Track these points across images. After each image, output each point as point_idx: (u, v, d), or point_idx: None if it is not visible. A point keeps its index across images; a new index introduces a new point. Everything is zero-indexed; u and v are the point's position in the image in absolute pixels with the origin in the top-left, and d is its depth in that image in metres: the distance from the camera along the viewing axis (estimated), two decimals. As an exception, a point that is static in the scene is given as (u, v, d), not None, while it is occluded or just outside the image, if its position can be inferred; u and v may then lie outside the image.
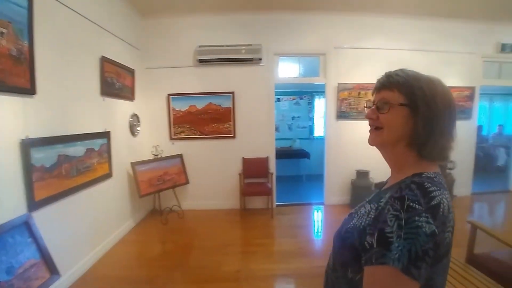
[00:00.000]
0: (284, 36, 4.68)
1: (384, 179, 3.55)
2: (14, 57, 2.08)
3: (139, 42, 4.46)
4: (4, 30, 1.98)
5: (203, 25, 4.62)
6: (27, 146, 2.22)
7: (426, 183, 0.70)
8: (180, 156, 4.70)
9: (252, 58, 4.57)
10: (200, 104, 4.77)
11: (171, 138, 4.80)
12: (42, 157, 2.39)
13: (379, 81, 0.82)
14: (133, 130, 4.27)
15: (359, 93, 4.83)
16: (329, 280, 0.86)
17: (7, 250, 1.68)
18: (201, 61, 4.59)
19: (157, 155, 4.57)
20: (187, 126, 4.80)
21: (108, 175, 3.52)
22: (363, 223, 0.74)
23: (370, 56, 4.78)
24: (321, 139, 7.19)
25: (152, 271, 3.00)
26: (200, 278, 2.85)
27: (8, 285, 1.61)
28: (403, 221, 0.63)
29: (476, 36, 5.01)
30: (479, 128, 6.76)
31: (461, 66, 5.02)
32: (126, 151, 4.04)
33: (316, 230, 4.18)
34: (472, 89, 5.12)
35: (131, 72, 4.15)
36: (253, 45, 4.56)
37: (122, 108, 3.95)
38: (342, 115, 4.87)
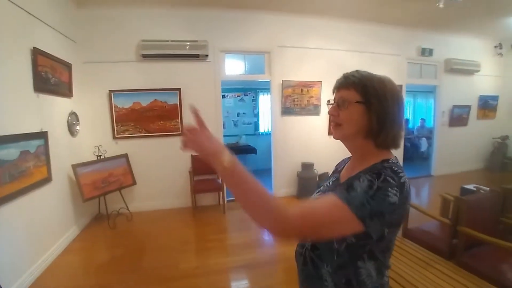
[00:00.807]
0: (231, 34, 4.71)
1: (327, 170, 3.90)
2: None
3: (75, 34, 4.10)
4: None
5: (146, 18, 4.41)
6: (-52, 149, 1.92)
7: (393, 167, 0.84)
8: (125, 156, 4.45)
9: (198, 54, 4.50)
10: (145, 101, 4.55)
11: (115, 137, 4.52)
12: (-33, 162, 2.09)
13: (338, 81, 0.93)
14: (72, 130, 3.92)
15: (302, 90, 5.09)
16: (308, 260, 0.91)
17: None
18: (145, 56, 4.38)
19: (100, 155, 4.26)
20: (132, 124, 4.56)
21: (47, 180, 3.20)
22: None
23: (311, 55, 5.08)
24: (266, 134, 7.39)
25: (103, 278, 2.82)
26: (158, 278, 2.78)
27: None
28: (375, 186, 0.76)
29: (401, 40, 5.74)
30: (406, 121, 7.60)
31: (390, 66, 5.61)
32: (66, 153, 3.70)
33: None
34: (399, 87, 5.72)
35: (67, 66, 3.79)
36: (199, 41, 4.49)
37: (59, 106, 3.60)
38: (286, 111, 5.09)
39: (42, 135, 3.10)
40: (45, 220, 3.11)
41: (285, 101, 5.03)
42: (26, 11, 2.92)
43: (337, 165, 1.14)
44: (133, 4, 4.28)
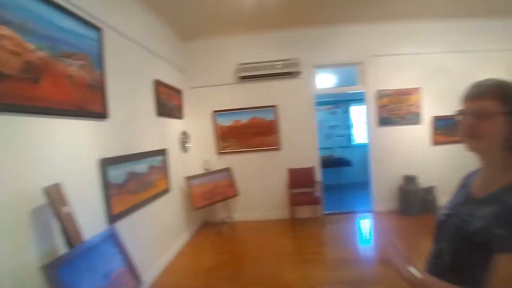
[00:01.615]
0: (321, 49, 4.75)
1: (433, 183, 3.50)
2: (90, 86, 2.31)
3: (183, 64, 4.74)
4: (83, 63, 2.22)
5: (242, 44, 4.82)
6: (105, 164, 2.43)
7: None
8: (228, 169, 4.83)
9: (291, 72, 4.68)
10: (244, 119, 4.91)
11: (218, 153, 4.96)
12: (116, 174, 2.60)
13: (470, 90, 0.88)
14: (184, 147, 4.49)
15: (399, 99, 4.74)
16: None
17: (102, 259, 1.84)
18: (242, 78, 4.76)
19: (207, 169, 4.73)
20: (233, 140, 4.95)
21: (167, 190, 3.71)
22: (490, 223, 0.79)
23: (407, 61, 4.72)
24: (361, 146, 7.06)
25: (210, 280, 3.09)
26: (263, 286, 2.89)
27: (105, 290, 1.76)
28: None
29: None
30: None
31: (501, 64, 4.70)
32: (179, 167, 4.25)
33: (369, 238, 4.07)
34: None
35: (179, 92, 4.40)
36: (292, 59, 4.66)
37: (173, 127, 4.18)
38: (384, 121, 4.80)
39: (163, 152, 3.64)
40: (165, 225, 3.60)
41: (381, 111, 4.78)
42: (149, 51, 3.53)
43: (464, 179, 1.06)
44: (230, 34, 4.72)
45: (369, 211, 4.94)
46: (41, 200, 1.73)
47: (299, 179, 4.78)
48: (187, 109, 4.71)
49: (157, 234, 3.36)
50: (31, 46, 1.74)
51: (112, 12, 2.74)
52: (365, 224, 4.52)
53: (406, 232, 3.94)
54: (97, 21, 2.44)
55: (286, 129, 4.86)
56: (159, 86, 3.70)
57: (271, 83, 4.81)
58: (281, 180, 4.87)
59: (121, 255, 2.05)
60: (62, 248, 1.81)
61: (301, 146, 4.84)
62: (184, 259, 3.67)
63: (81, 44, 2.21)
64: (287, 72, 4.69)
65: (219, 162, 4.91)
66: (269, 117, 4.86)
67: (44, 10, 1.86)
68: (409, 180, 4.61)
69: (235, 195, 4.72)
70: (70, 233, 1.71)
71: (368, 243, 3.86)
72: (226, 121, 4.92)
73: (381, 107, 4.78)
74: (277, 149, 4.89)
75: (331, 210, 4.98)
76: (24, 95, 1.69)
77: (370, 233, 4.22)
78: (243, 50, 4.82)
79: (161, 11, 3.70)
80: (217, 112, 4.91)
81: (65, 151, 2.04)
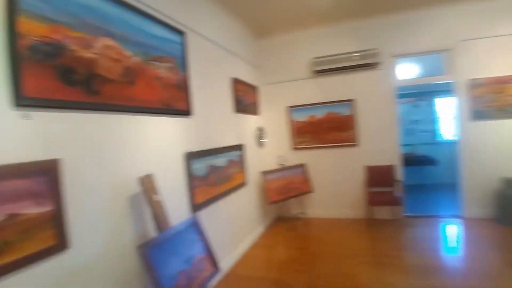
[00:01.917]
0: (402, 37, 4.31)
1: None
2: (176, 86, 2.53)
3: (259, 61, 4.85)
4: (170, 65, 2.44)
5: (316, 37, 4.70)
6: (189, 158, 2.65)
7: None
8: (302, 165, 4.79)
9: (369, 63, 4.36)
10: (319, 114, 4.80)
11: (293, 148, 4.96)
12: (198, 167, 2.81)
13: None
14: (259, 142, 4.61)
15: (497, 88, 4.01)
16: None
17: (186, 245, 2.02)
18: (317, 72, 4.65)
19: (282, 164, 4.78)
20: (308, 136, 4.88)
21: (244, 184, 3.87)
22: None
23: (506, 44, 3.93)
24: (449, 143, 6.25)
25: (282, 274, 3.10)
26: (335, 285, 2.79)
27: (187, 273, 1.92)
28: None
29: None
30: None
31: None
32: (255, 162, 4.38)
33: (456, 246, 3.58)
34: None
35: (254, 88, 4.53)
36: (369, 50, 4.34)
37: (250, 123, 4.32)
38: (478, 114, 4.10)
39: (241, 147, 3.80)
40: (241, 217, 3.76)
41: (475, 103, 4.12)
42: (227, 50, 3.70)
43: None
44: (304, 27, 4.64)
45: (457, 217, 4.34)
46: (136, 188, 1.98)
47: (377, 178, 4.47)
48: (262, 105, 4.83)
49: (233, 225, 3.52)
50: (128, 53, 1.99)
51: (194, 16, 2.95)
52: (452, 231, 4.00)
53: (505, 245, 3.36)
54: (181, 26, 2.66)
55: (364, 124, 4.58)
56: (236, 84, 3.86)
57: (347, 76, 4.58)
58: (357, 177, 4.62)
59: (201, 242, 2.21)
60: (151, 232, 2.04)
61: (380, 142, 4.51)
62: (257, 251, 3.78)
63: (168, 48, 2.44)
64: (365, 64, 4.40)
65: (293, 158, 4.90)
66: (345, 111, 4.65)
67: (138, 20, 2.11)
68: (510, 183, 3.91)
69: (309, 191, 4.67)
70: (159, 219, 1.92)
71: (455, 252, 3.41)
72: (301, 117, 4.88)
73: (475, 99, 4.11)
74: (354, 145, 4.65)
75: (412, 213, 4.54)
76: (123, 96, 1.95)
77: (458, 241, 3.73)
78: (317, 43, 4.70)
79: (237, 11, 3.83)
80: (292, 108, 4.90)
81: (156, 145, 2.29)
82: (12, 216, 1.31)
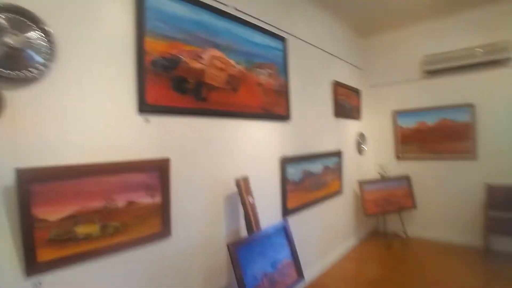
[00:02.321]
0: None
1: None
2: (277, 91, 2.59)
3: (362, 62, 4.57)
4: (271, 71, 2.52)
5: (428, 32, 4.13)
6: (284, 162, 2.69)
7: None
8: (407, 177, 4.30)
9: (496, 59, 3.57)
10: (430, 120, 4.22)
11: (397, 158, 4.51)
12: (293, 172, 2.83)
13: None
14: (359, 149, 4.34)
15: None
16: None
17: (273, 248, 2.06)
18: (428, 72, 4.09)
19: (383, 175, 4.40)
20: (415, 145, 4.36)
21: (339, 192, 3.71)
22: None
23: None
24: None
25: None
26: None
27: (271, 276, 1.96)
28: None
29: None
30: None
31: None
32: (353, 169, 4.14)
33: None
34: None
35: (357, 92, 4.28)
36: (497, 43, 3.56)
37: (350, 128, 4.11)
38: None
39: (338, 154, 3.65)
40: (333, 227, 3.60)
41: None
42: (328, 52, 3.60)
43: None
44: (413, 22, 4.15)
45: None
46: (232, 188, 2.11)
47: (502, 200, 3.64)
48: (365, 109, 4.52)
49: (324, 234, 3.40)
50: (232, 62, 2.13)
51: (294, 21, 2.97)
52: None
53: None
54: (281, 32, 2.71)
55: (486, 134, 3.79)
56: (337, 87, 3.72)
57: (467, 76, 3.88)
58: (474, 197, 3.86)
59: (289, 247, 2.21)
60: (243, 231, 2.14)
61: (508, 158, 3.68)
62: (347, 264, 3.55)
63: (269, 54, 2.52)
64: (490, 61, 3.62)
65: (396, 168, 4.45)
66: (462, 118, 3.95)
67: (242, 31, 2.24)
68: None
69: (412, 207, 4.16)
70: (251, 220, 2.00)
71: None
72: (409, 123, 4.38)
73: None
74: (471, 158, 3.90)
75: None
76: (227, 102, 2.10)
77: None
78: (430, 39, 4.12)
79: (338, 11, 3.69)
80: (398, 112, 4.44)
81: (254, 149, 2.40)
82: (130, 203, 1.57)
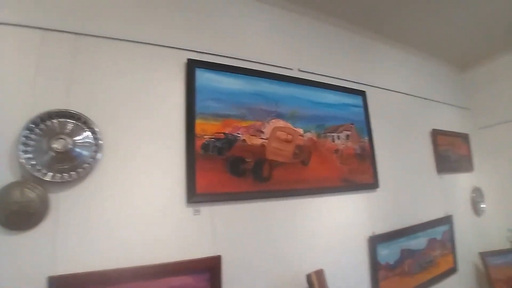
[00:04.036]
0: None
1: None
2: (359, 155, 2.14)
3: (467, 101, 3.74)
4: (349, 133, 2.10)
5: None
6: (374, 242, 2.13)
7: None
8: None
9: None
10: None
11: (536, 218, 3.38)
12: (386, 253, 2.23)
13: None
14: (476, 208, 3.40)
15: None
16: None
17: None
18: None
19: (516, 242, 3.32)
20: None
21: (453, 270, 2.84)
22: None
23: None
24: None
25: None
26: None
27: None
28: None
29: None
30: None
31: None
32: (470, 237, 3.21)
33: None
34: None
35: (464, 138, 3.46)
36: None
37: (460, 183, 3.27)
38: None
39: (448, 220, 2.87)
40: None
41: None
42: (420, 97, 3.01)
43: None
44: None
45: None
46: (304, 285, 1.67)
47: None
48: (477, 157, 3.59)
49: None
50: (300, 130, 1.81)
51: (374, 70, 2.56)
52: None
53: None
54: (359, 86, 2.31)
55: None
56: (438, 136, 3.03)
57: None
58: None
59: None
60: None
61: None
62: None
63: (346, 114, 2.14)
64: None
65: None
66: None
67: (308, 93, 1.94)
68: None
69: None
70: None
71: None
72: None
73: None
74: None
75: None
76: (294, 179, 1.76)
77: None
78: None
79: (427, 48, 3.12)
80: (528, 158, 3.39)
81: (331, 231, 1.94)
82: None
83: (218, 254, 1.45)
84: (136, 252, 1.30)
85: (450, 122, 3.34)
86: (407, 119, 2.79)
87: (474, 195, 3.40)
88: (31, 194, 1.15)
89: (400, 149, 2.61)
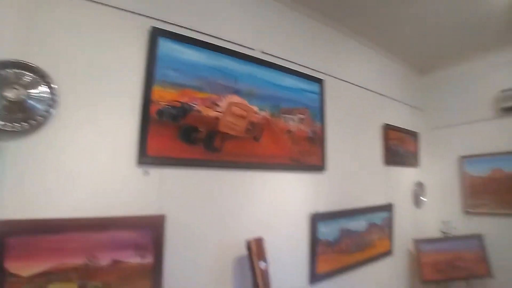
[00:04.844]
0: None
1: None
2: (310, 138, 2.30)
3: (421, 102, 4.04)
4: (303, 116, 2.25)
5: (504, 62, 3.48)
6: (315, 220, 2.33)
7: None
8: (479, 237, 3.51)
9: None
10: (509, 168, 3.47)
11: (466, 212, 3.75)
12: (326, 231, 2.44)
13: None
14: (417, 201, 3.73)
15: None
16: None
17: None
18: (506, 109, 3.40)
19: (446, 233, 3.68)
20: (490, 197, 3.58)
21: (388, 253, 3.15)
22: None
23: None
24: None
25: None
26: None
27: None
28: None
29: None
30: None
31: None
32: (408, 226, 3.53)
33: None
34: None
35: (414, 135, 3.75)
36: None
37: (405, 177, 3.57)
38: None
39: (388, 207, 3.14)
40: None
41: None
42: (377, 93, 3.23)
43: None
44: (483, 55, 3.55)
45: None
46: (243, 250, 1.82)
47: None
48: (424, 155, 3.92)
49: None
50: (255, 108, 1.92)
51: (334, 61, 2.70)
52: None
53: None
54: (318, 74, 2.45)
55: None
56: (389, 131, 3.27)
57: None
58: None
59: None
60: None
61: None
62: None
63: (302, 98, 2.27)
64: None
65: (465, 226, 3.67)
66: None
67: (268, 74, 2.04)
68: None
69: (485, 274, 3.34)
70: (261, 293, 1.68)
71: None
72: (480, 170, 3.64)
73: None
74: None
75: None
76: (245, 153, 1.88)
77: None
78: (507, 71, 3.46)
79: (390, 47, 3.32)
80: (466, 158, 3.74)
81: (276, 204, 2.10)
82: (116, 262, 1.41)
83: (163, 213, 1.55)
84: (84, 204, 1.37)
85: (403, 120, 3.60)
86: (361, 111, 2.99)
87: (416, 188, 3.72)
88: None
89: (351, 138, 2.81)
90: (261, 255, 1.80)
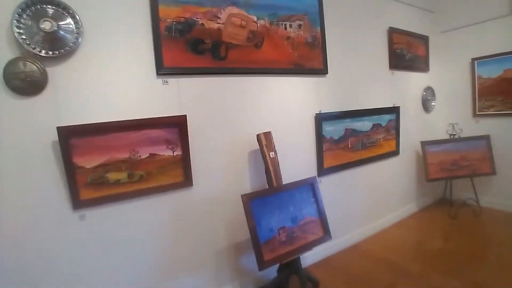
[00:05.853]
0: None
1: None
2: (310, 44, 2.46)
3: (433, 4, 3.89)
4: (301, 23, 2.39)
5: None
6: (320, 119, 2.61)
7: None
8: (486, 137, 3.65)
9: None
10: (523, 66, 3.45)
11: (475, 115, 3.84)
12: (331, 129, 2.73)
13: None
14: (426, 106, 3.86)
15: None
16: None
17: (295, 203, 2.09)
18: None
19: (454, 134, 3.86)
20: (499, 99, 3.62)
21: (395, 153, 3.43)
22: None
23: None
24: None
25: (420, 267, 2.52)
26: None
27: (290, 231, 2.02)
28: None
29: None
30: None
31: None
32: (416, 128, 3.73)
33: None
34: None
35: (424, 39, 3.73)
36: None
37: (414, 81, 3.66)
38: None
39: (394, 110, 3.33)
40: (385, 190, 3.37)
41: None
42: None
43: None
44: None
45: None
46: (256, 145, 2.17)
47: None
48: (435, 59, 3.91)
49: (372, 197, 3.21)
50: (253, 17, 2.10)
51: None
52: None
53: None
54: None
55: None
56: (395, 35, 3.29)
57: None
58: None
59: (316, 205, 2.21)
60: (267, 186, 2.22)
61: None
62: (399, 231, 3.28)
63: (299, 5, 2.38)
64: None
65: (473, 127, 3.80)
66: None
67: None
68: None
69: (489, 172, 3.57)
70: (271, 175, 2.06)
71: None
72: (492, 72, 3.63)
73: None
74: None
75: None
76: (248, 59, 2.11)
77: None
78: None
79: None
80: (479, 60, 3.72)
81: (282, 105, 2.38)
82: (152, 155, 1.79)
83: (184, 114, 1.89)
84: (120, 110, 1.71)
85: (411, 23, 3.56)
86: (363, 15, 3.00)
87: (425, 93, 3.82)
88: (32, 66, 1.46)
89: (353, 42, 2.90)
90: (270, 147, 2.14)
